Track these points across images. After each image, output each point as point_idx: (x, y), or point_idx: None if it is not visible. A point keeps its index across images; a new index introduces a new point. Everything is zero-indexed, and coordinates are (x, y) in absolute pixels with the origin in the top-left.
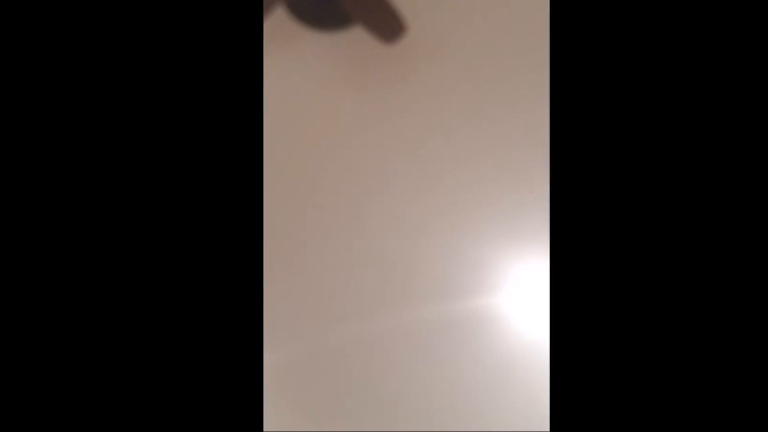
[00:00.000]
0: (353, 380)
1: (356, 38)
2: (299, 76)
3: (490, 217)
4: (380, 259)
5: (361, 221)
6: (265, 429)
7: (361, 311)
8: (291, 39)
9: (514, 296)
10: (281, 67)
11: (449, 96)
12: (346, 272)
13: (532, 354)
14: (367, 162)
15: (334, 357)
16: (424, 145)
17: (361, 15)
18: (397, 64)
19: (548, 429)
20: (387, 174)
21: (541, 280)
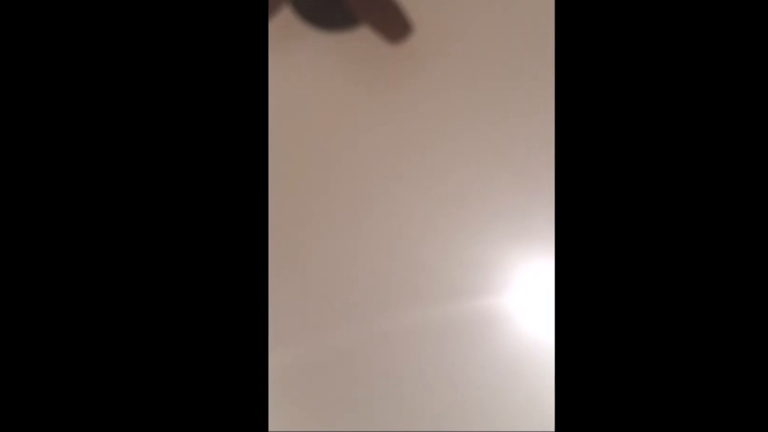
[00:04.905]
0: (359, 380)
1: (362, 38)
2: (305, 76)
3: (497, 217)
4: (386, 259)
5: (366, 221)
6: (270, 429)
7: (367, 311)
8: (296, 39)
9: (521, 296)
10: (287, 67)
11: (455, 96)
12: (352, 272)
13: (539, 354)
14: (373, 162)
15: (339, 357)
16: (429, 145)
17: (367, 15)
18: (402, 64)
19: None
20: (393, 174)
21: (548, 279)
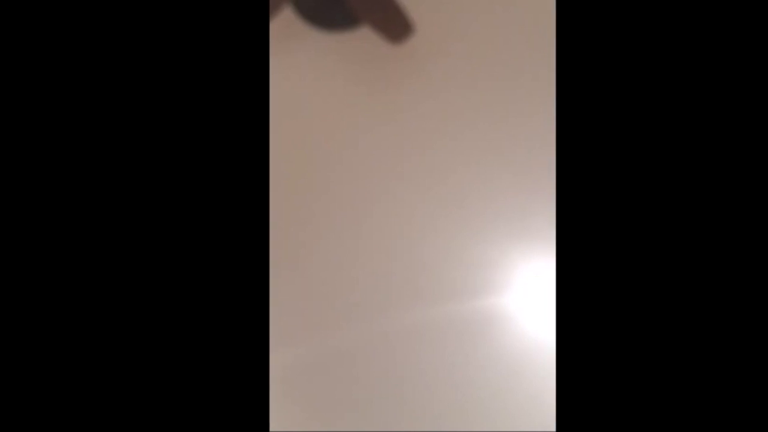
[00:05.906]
0: (360, 380)
1: (362, 38)
2: (305, 75)
3: (497, 217)
4: (386, 259)
5: (367, 221)
6: (271, 429)
7: (368, 311)
8: (297, 39)
9: (522, 296)
10: (288, 67)
11: (455, 96)
12: (353, 272)
13: (540, 354)
14: (374, 162)
15: (340, 357)
16: (429, 145)
17: (368, 15)
18: (402, 64)
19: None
20: (393, 174)
21: (549, 279)
